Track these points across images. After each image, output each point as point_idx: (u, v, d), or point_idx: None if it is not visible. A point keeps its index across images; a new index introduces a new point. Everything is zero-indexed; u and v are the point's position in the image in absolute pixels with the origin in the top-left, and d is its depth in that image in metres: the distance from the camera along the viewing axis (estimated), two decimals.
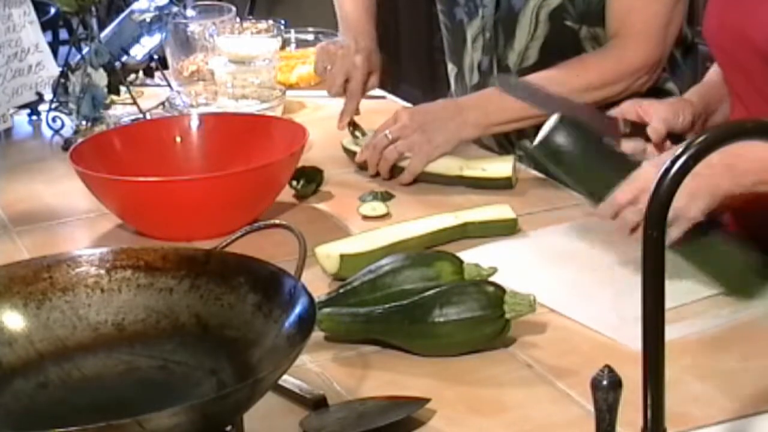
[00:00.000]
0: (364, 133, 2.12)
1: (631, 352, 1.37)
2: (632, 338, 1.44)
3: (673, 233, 1.53)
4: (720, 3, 1.71)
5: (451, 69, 2.21)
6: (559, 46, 2.01)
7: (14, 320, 1.31)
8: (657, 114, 1.71)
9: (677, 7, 1.97)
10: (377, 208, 1.89)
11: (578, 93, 1.97)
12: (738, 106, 1.73)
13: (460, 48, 2.15)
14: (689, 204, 1.52)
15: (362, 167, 2.04)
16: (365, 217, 1.87)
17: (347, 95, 2.14)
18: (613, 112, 1.73)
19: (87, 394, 1.28)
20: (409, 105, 2.39)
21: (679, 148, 1.02)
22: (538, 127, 2.00)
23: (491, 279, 1.51)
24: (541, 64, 2.03)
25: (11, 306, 1.31)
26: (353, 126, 2.13)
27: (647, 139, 1.71)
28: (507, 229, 1.79)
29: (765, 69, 1.64)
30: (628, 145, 1.72)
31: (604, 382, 1.07)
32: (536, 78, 1.99)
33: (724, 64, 1.74)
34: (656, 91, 2.01)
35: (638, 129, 1.71)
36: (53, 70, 2.39)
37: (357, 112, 2.15)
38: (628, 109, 1.73)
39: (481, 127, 2.01)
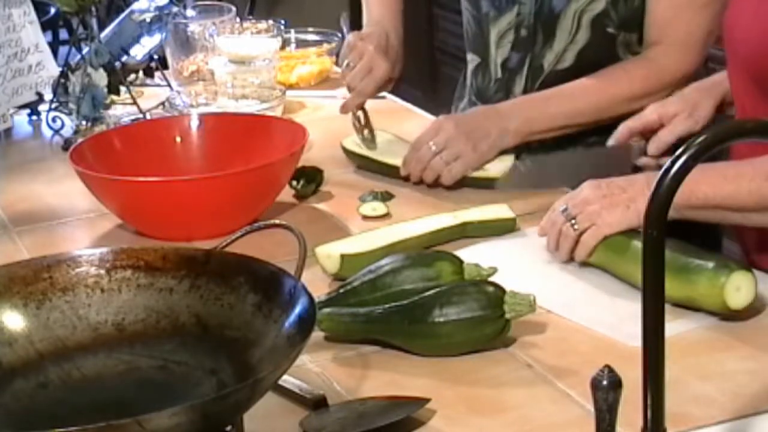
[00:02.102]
0: (373, 134, 2.09)
1: (631, 352, 1.37)
2: (629, 335, 1.45)
3: (590, 241, 1.61)
4: (748, 14, 1.70)
5: (471, 59, 2.19)
6: (596, 52, 2.01)
7: (14, 320, 1.31)
8: (674, 128, 1.78)
9: (717, 18, 1.96)
10: (377, 208, 1.89)
11: (622, 102, 1.96)
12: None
13: (486, 40, 2.14)
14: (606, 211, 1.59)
15: (405, 179, 2.00)
16: (365, 217, 1.87)
17: (356, 91, 2.09)
18: (636, 122, 1.80)
19: (87, 394, 1.28)
20: (410, 106, 2.40)
21: (680, 149, 1.02)
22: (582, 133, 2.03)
23: (491, 279, 1.51)
24: (576, 67, 2.02)
25: (11, 306, 1.31)
26: (362, 123, 2.10)
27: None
28: (506, 228, 1.79)
29: None
30: (643, 161, 1.82)
31: (604, 382, 1.06)
32: (578, 85, 1.99)
33: (737, 75, 1.74)
34: None
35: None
36: (53, 70, 2.39)
37: (362, 108, 2.12)
38: (650, 120, 1.80)
39: (522, 135, 1.99)
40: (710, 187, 1.56)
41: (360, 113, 2.10)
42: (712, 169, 1.58)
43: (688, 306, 1.51)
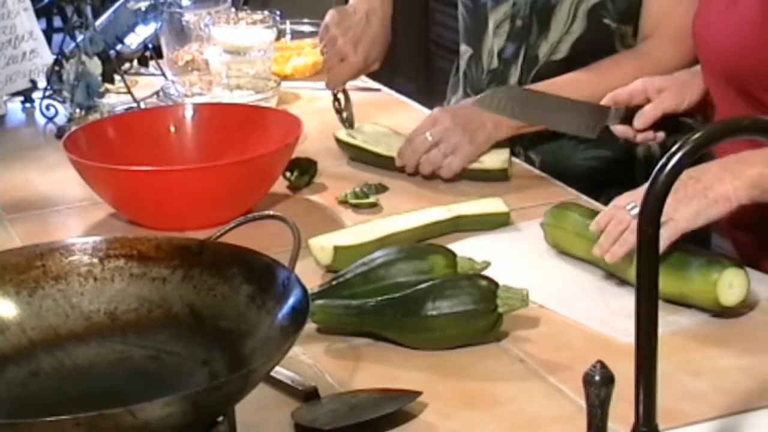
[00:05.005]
0: (351, 116, 2.10)
1: (623, 348, 1.37)
2: (620, 331, 1.45)
3: (667, 238, 1.49)
4: (715, 18, 1.70)
5: (465, 50, 2.19)
6: (592, 43, 2.01)
7: (6, 308, 1.30)
8: (661, 103, 1.75)
9: None
10: (360, 195, 1.89)
11: None
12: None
13: (480, 31, 2.14)
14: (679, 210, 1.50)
15: (400, 170, 2.00)
16: (354, 207, 1.87)
17: (329, 78, 2.11)
18: (622, 91, 1.77)
19: (79, 383, 1.28)
20: (404, 98, 2.40)
21: (675, 146, 1.02)
22: None
23: (484, 273, 1.51)
24: (571, 59, 2.02)
25: (3, 293, 1.31)
26: (342, 105, 2.12)
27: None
28: (499, 222, 1.79)
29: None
30: (618, 128, 1.79)
31: (597, 378, 1.06)
32: (571, 78, 1.99)
33: (713, 78, 1.74)
34: None
35: (633, 113, 1.78)
36: (47, 57, 2.39)
37: (343, 91, 2.12)
38: (636, 91, 1.76)
39: (515, 127, 1.99)
40: None
41: (340, 95, 2.11)
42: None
43: (681, 302, 1.51)
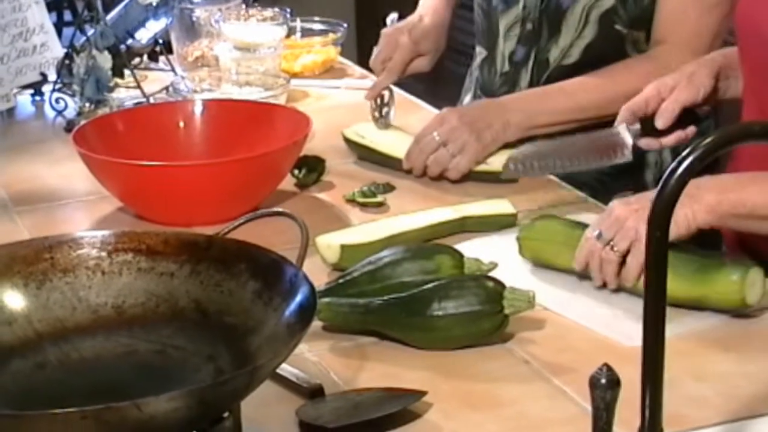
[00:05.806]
0: (387, 120, 2.11)
1: (627, 351, 1.38)
2: (624, 335, 1.45)
3: (635, 261, 1.51)
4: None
5: (479, 52, 2.20)
6: (603, 48, 2.02)
7: (14, 300, 1.31)
8: (677, 98, 1.71)
9: (724, 21, 1.96)
10: (368, 194, 1.89)
11: (624, 100, 1.94)
12: (752, 105, 1.72)
13: (493, 34, 2.14)
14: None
15: (407, 172, 2.00)
16: (361, 205, 1.87)
17: (384, 72, 2.15)
18: (637, 100, 1.74)
19: (84, 376, 1.28)
20: (414, 99, 2.39)
21: (686, 151, 1.02)
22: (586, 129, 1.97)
23: (491, 274, 1.51)
24: (582, 63, 2.03)
25: (12, 285, 1.31)
26: (380, 105, 2.13)
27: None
28: (506, 224, 1.79)
29: None
30: (644, 143, 1.75)
31: (603, 381, 1.06)
32: (581, 82, 1.99)
33: (758, 70, 1.72)
34: None
35: (651, 122, 1.74)
36: (58, 51, 2.39)
37: (389, 90, 2.15)
38: (650, 96, 1.73)
39: (524, 128, 1.99)
40: (760, 197, 1.51)
41: (386, 92, 2.14)
42: (754, 178, 1.55)
43: (697, 306, 1.51)
